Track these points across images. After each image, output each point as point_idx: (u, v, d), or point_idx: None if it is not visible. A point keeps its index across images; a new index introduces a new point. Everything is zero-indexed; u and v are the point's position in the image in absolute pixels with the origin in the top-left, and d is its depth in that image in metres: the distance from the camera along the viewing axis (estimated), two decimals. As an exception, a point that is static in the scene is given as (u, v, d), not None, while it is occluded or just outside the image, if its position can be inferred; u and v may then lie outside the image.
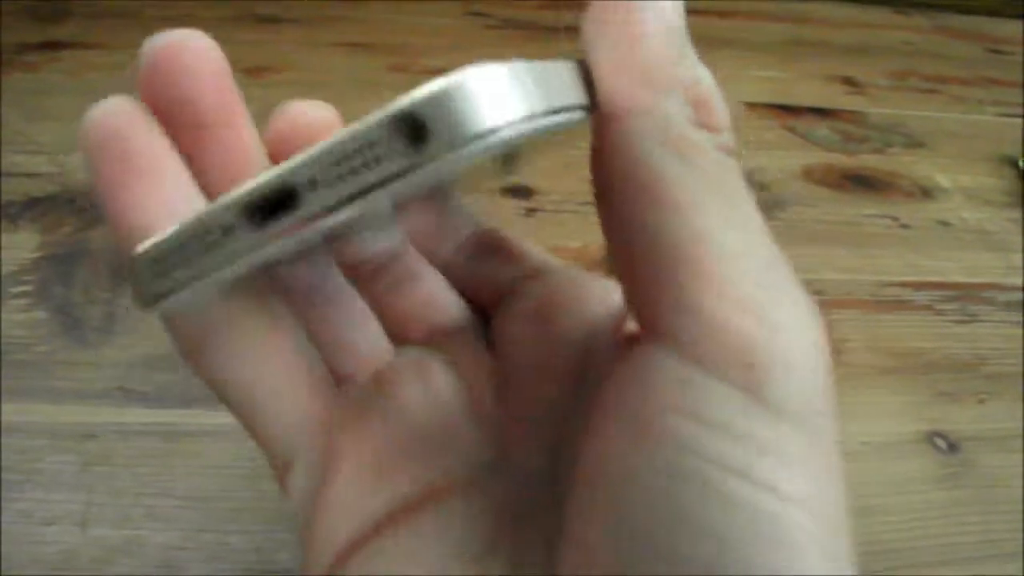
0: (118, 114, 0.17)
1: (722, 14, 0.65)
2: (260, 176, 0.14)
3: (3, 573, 0.31)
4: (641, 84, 0.15)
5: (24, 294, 0.40)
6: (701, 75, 0.16)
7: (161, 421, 0.36)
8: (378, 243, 0.23)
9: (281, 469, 0.20)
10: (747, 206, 0.15)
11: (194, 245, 0.15)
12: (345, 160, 0.13)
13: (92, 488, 0.33)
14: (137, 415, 0.36)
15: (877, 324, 0.45)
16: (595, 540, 0.15)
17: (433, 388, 0.21)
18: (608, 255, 0.17)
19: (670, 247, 0.15)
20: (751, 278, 0.15)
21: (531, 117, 0.13)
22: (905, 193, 0.54)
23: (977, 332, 0.45)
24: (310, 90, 0.51)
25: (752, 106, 0.59)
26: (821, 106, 0.60)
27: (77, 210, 0.45)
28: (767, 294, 0.15)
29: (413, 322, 0.22)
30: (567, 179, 0.47)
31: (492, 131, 0.13)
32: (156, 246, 0.16)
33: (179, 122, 0.18)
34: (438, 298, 0.23)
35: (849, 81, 0.63)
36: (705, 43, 0.59)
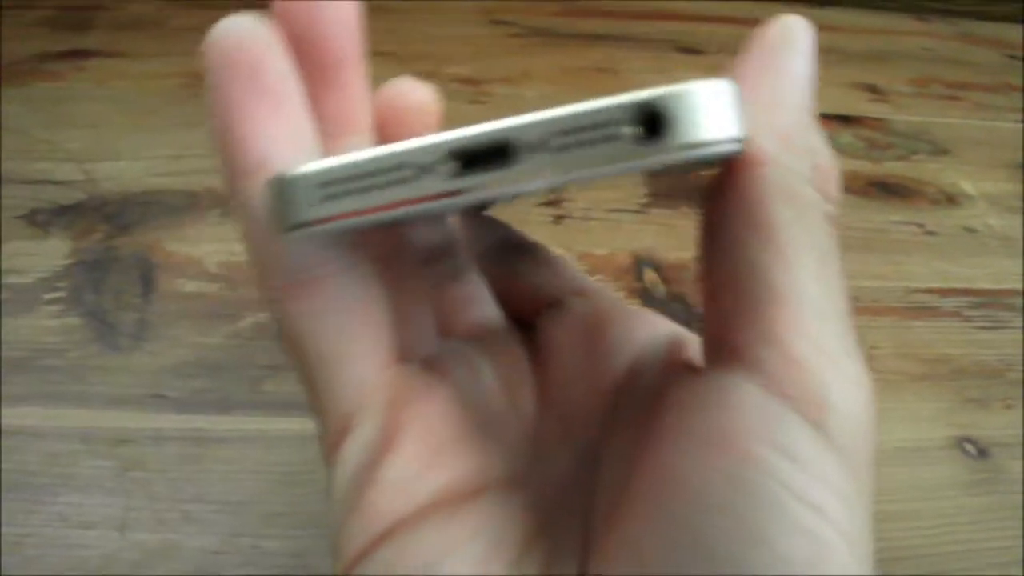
0: (250, 31, 0.17)
1: (744, 22, 0.65)
2: (474, 126, 0.14)
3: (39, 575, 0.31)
4: (780, 143, 0.17)
5: (57, 300, 0.41)
6: (824, 148, 0.18)
7: (194, 427, 0.36)
8: (438, 233, 0.23)
9: (335, 436, 0.19)
10: (835, 267, 0.17)
11: (378, 177, 0.15)
12: (574, 132, 0.14)
13: (130, 493, 0.33)
14: (170, 420, 0.36)
15: (906, 331, 0.45)
16: (651, 545, 0.16)
17: (483, 381, 0.21)
18: (701, 278, 0.18)
19: (767, 285, 0.16)
20: (829, 328, 0.17)
21: (741, 139, 0.15)
22: (931, 200, 0.54)
23: (1004, 338, 0.45)
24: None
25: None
26: (845, 113, 0.60)
27: (106, 217, 0.45)
28: (839, 345, 0.17)
29: (456, 317, 0.23)
30: (594, 187, 0.47)
31: (719, 142, 0.14)
32: (328, 170, 0.15)
33: (303, 57, 0.18)
34: (479, 296, 0.23)
35: (872, 88, 0.63)
36: (728, 52, 0.59)
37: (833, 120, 0.60)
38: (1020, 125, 0.62)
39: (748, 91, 0.17)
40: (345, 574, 0.18)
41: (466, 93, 0.57)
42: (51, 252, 0.43)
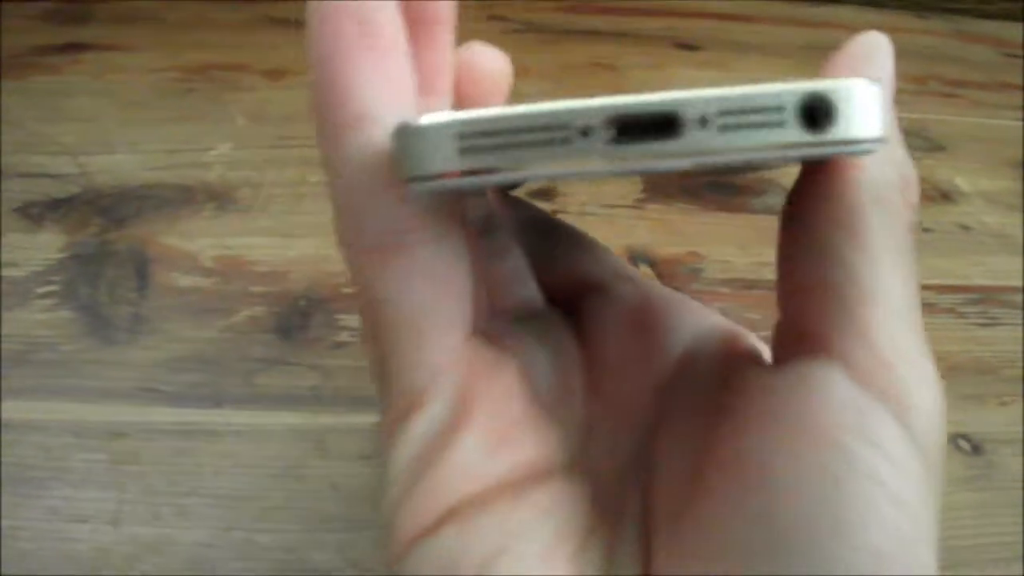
0: None
1: (746, 19, 0.66)
2: (638, 95, 0.14)
3: (32, 570, 0.31)
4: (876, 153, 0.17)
5: (50, 294, 0.40)
6: (907, 159, 0.19)
7: (188, 420, 0.36)
8: (481, 207, 0.23)
9: (402, 409, 0.19)
10: (913, 270, 0.18)
11: (526, 135, 0.15)
12: (742, 113, 0.14)
13: (123, 486, 0.33)
14: (164, 414, 0.36)
15: (901, 327, 0.44)
16: (736, 534, 0.16)
17: (539, 362, 0.20)
18: (783, 273, 0.19)
19: (858, 284, 0.17)
20: (911, 329, 0.17)
21: (883, 140, 0.15)
22: (926, 197, 0.54)
23: (999, 335, 0.45)
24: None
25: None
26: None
27: (101, 210, 0.45)
28: (918, 345, 0.17)
29: (500, 294, 0.22)
30: (595, 182, 0.48)
31: (871, 140, 0.15)
32: (469, 121, 0.15)
33: (403, 12, 0.18)
34: (522, 275, 0.23)
35: (869, 85, 0.62)
36: (728, 48, 0.59)
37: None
38: (1017, 123, 0.61)
39: None
40: (401, 553, 0.18)
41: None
42: (45, 245, 0.43)
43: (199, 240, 0.43)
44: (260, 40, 0.59)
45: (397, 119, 0.16)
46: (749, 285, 0.45)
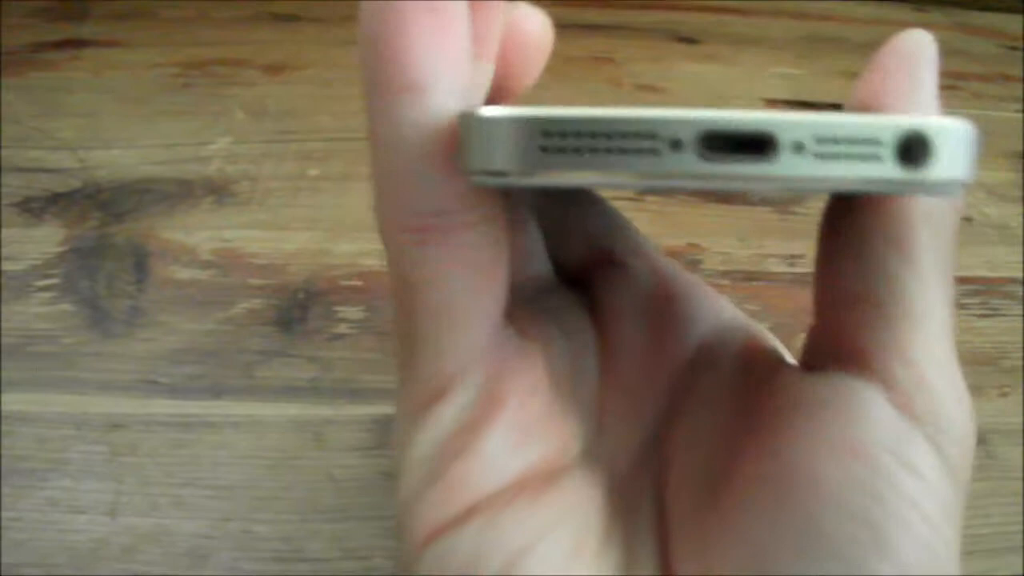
0: None
1: (743, 12, 0.65)
2: (731, 112, 0.14)
3: (30, 560, 0.31)
4: None
5: (50, 287, 0.41)
6: None
7: (186, 412, 0.36)
8: None
9: (427, 396, 0.18)
10: (951, 289, 0.18)
11: (618, 141, 0.14)
12: (837, 142, 0.14)
13: (121, 478, 0.33)
14: (163, 406, 0.36)
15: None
16: (773, 542, 0.16)
17: (556, 346, 0.20)
18: (823, 284, 0.19)
19: (902, 303, 0.17)
20: (950, 350, 0.17)
21: (967, 183, 0.15)
22: (926, 188, 0.54)
23: (999, 326, 0.45)
24: (331, 88, 0.51)
25: (772, 103, 0.59)
26: (841, 102, 0.60)
27: (100, 204, 0.45)
28: (954, 367, 0.17)
29: (516, 271, 0.20)
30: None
31: (959, 182, 0.14)
32: (557, 120, 0.14)
33: None
34: (536, 250, 0.22)
35: (868, 77, 0.62)
36: (726, 41, 0.58)
37: (829, 109, 0.59)
38: (1018, 115, 0.61)
39: (889, 104, 0.17)
40: (419, 547, 0.17)
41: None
42: (45, 239, 0.43)
43: (198, 233, 0.43)
44: (259, 35, 0.59)
45: (453, 93, 0.15)
46: (749, 277, 0.45)
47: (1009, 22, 0.72)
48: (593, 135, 0.14)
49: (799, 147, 0.14)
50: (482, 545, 0.17)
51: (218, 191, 0.46)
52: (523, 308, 0.20)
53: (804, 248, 0.45)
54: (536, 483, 0.18)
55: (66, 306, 0.40)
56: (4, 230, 0.43)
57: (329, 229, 0.42)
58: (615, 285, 0.22)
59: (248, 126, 0.50)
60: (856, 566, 0.15)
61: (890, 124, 0.14)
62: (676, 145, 0.14)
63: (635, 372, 0.20)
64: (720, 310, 0.22)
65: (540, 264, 0.22)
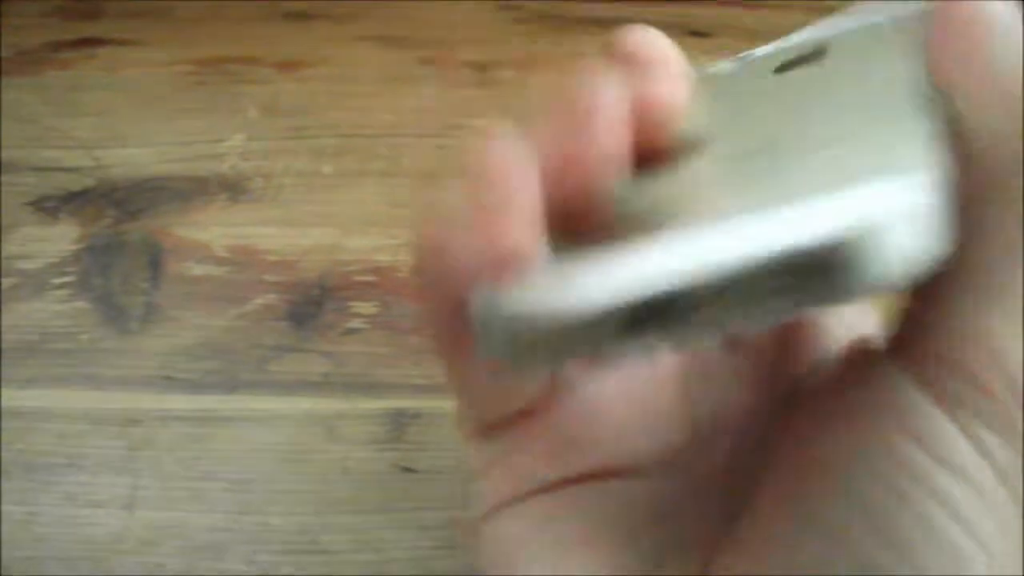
0: (506, 151, 0.16)
1: (754, 6, 0.65)
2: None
3: (48, 554, 0.31)
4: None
5: (66, 285, 0.41)
6: None
7: (203, 407, 0.36)
8: None
9: (485, 424, 0.19)
10: None
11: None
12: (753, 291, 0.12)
13: (138, 472, 0.34)
14: (179, 401, 0.36)
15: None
16: (787, 535, 0.16)
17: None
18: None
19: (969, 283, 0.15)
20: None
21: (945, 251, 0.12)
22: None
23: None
24: (344, 84, 0.51)
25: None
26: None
27: (115, 203, 0.45)
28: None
29: None
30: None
31: (916, 263, 0.12)
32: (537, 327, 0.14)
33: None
34: None
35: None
36: (738, 35, 0.58)
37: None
38: None
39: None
40: (484, 518, 0.19)
41: (474, 78, 0.57)
42: (60, 238, 0.43)
43: (212, 230, 0.44)
44: (272, 33, 0.59)
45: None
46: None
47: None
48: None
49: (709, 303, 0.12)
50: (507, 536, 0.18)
51: (232, 188, 0.46)
52: None
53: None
54: (574, 481, 0.18)
55: (82, 303, 0.40)
56: (21, 229, 0.43)
57: (343, 225, 0.43)
58: None
59: (262, 123, 0.51)
60: (866, 565, 0.15)
61: (780, 257, 0.12)
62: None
63: (719, 393, 0.20)
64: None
65: None
